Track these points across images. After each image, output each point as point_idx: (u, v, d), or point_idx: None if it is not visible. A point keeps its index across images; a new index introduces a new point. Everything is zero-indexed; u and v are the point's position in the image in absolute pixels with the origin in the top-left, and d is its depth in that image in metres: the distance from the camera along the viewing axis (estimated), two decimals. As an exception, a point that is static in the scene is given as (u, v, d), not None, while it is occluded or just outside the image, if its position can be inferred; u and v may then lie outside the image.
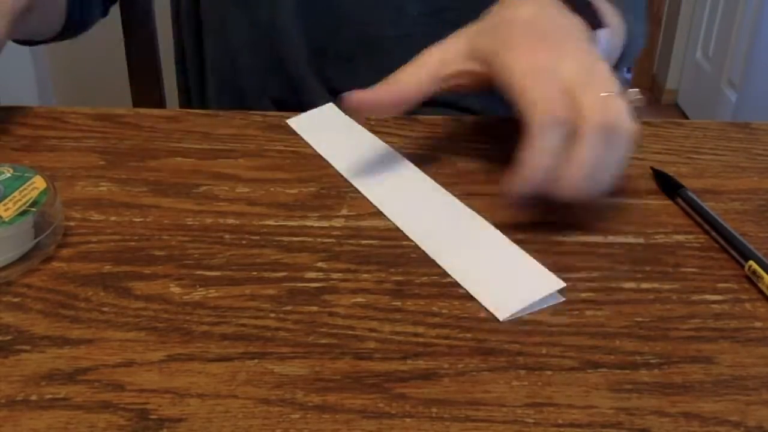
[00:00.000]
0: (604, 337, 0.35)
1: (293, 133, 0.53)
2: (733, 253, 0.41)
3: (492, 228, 0.42)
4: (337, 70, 0.67)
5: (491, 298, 0.37)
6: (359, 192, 0.46)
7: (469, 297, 0.38)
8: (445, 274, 0.39)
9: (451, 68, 0.46)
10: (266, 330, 0.35)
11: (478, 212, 0.44)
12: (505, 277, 0.39)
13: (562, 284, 0.38)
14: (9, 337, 0.34)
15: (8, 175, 0.41)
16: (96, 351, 0.34)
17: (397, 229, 0.43)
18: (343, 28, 0.54)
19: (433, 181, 0.47)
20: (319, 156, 0.50)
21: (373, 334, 0.35)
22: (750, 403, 0.32)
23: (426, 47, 0.49)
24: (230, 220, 0.44)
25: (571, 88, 0.40)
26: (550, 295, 0.37)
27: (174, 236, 0.42)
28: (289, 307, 0.37)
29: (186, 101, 0.81)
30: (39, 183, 0.41)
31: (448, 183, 0.47)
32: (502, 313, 0.36)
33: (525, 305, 0.37)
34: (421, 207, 0.45)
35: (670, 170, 0.50)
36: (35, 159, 0.50)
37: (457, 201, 0.45)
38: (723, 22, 2.48)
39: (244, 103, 0.69)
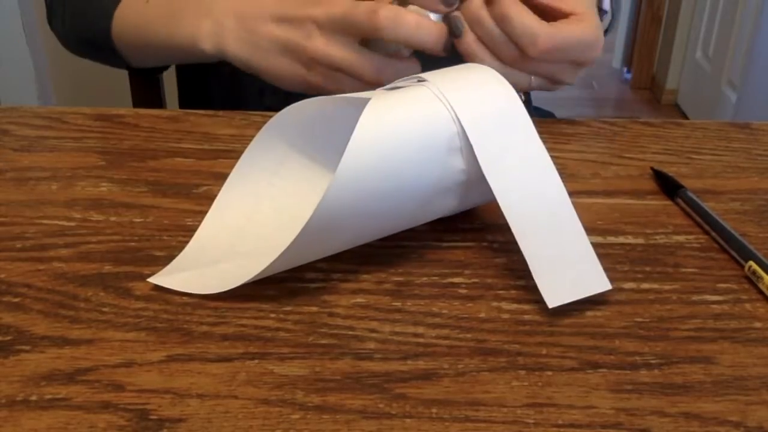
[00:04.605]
0: (604, 337, 0.35)
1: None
2: (733, 253, 0.41)
3: (571, 209, 0.40)
4: None
5: (547, 284, 0.37)
6: None
7: (469, 297, 0.38)
8: (445, 275, 0.39)
9: None
10: (266, 330, 0.35)
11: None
12: (565, 267, 0.38)
13: (609, 286, 0.38)
14: (9, 337, 0.34)
15: None
16: (96, 351, 0.34)
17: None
18: None
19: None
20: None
21: (373, 335, 0.35)
22: (750, 403, 0.32)
23: (420, 59, 0.52)
24: (230, 220, 0.43)
25: None
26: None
27: (174, 236, 0.42)
28: (289, 308, 0.37)
29: (186, 102, 0.81)
30: None
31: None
32: (552, 302, 0.36)
33: (573, 299, 0.37)
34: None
35: (670, 170, 0.50)
36: (35, 159, 0.50)
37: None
38: (723, 22, 2.48)
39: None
